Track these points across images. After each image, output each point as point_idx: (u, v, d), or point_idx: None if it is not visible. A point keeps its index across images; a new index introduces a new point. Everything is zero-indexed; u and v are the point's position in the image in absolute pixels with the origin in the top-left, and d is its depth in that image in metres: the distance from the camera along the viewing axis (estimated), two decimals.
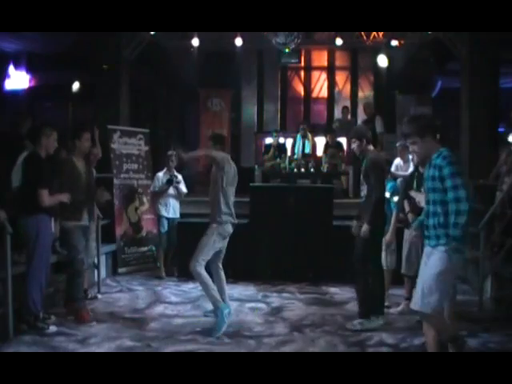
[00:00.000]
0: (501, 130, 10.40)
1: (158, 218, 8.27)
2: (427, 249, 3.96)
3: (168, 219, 8.19)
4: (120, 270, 8.35)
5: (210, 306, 5.86)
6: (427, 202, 3.95)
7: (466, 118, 10.28)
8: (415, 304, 3.89)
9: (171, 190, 8.18)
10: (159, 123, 13.76)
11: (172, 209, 8.23)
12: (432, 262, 3.84)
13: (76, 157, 5.91)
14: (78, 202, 5.77)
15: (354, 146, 5.73)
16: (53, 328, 5.47)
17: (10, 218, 5.29)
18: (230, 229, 5.75)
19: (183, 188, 8.27)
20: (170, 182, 8.13)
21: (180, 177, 8.31)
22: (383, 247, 6.59)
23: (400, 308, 6.23)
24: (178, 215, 8.31)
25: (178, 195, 8.25)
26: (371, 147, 5.78)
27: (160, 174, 8.26)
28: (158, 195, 8.24)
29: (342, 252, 7.62)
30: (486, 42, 9.57)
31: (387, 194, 6.53)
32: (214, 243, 5.66)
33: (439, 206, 3.82)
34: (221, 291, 5.77)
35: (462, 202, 3.70)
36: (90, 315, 5.88)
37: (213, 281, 5.72)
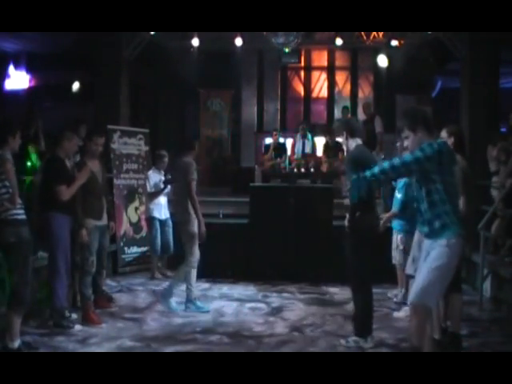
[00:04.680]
0: (503, 130, 10.38)
1: (150, 219, 7.88)
2: (426, 242, 3.92)
3: (160, 221, 7.84)
4: (120, 270, 8.33)
5: (210, 306, 6.04)
6: (420, 199, 3.86)
7: (465, 117, 10.28)
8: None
9: (166, 190, 7.72)
10: (159, 123, 13.75)
11: (164, 209, 7.87)
12: (433, 255, 3.79)
13: (89, 158, 5.96)
14: (96, 202, 5.89)
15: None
16: (78, 327, 5.54)
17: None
18: None
19: None
20: (169, 182, 7.51)
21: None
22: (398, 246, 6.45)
23: (402, 313, 6.03)
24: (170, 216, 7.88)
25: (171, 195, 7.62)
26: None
27: (151, 173, 7.88)
28: (153, 196, 7.82)
29: (341, 252, 7.61)
30: (485, 42, 9.56)
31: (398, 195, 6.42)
32: None
33: (432, 194, 3.76)
34: None
35: (395, 165, 3.75)
36: (99, 317, 5.84)
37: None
